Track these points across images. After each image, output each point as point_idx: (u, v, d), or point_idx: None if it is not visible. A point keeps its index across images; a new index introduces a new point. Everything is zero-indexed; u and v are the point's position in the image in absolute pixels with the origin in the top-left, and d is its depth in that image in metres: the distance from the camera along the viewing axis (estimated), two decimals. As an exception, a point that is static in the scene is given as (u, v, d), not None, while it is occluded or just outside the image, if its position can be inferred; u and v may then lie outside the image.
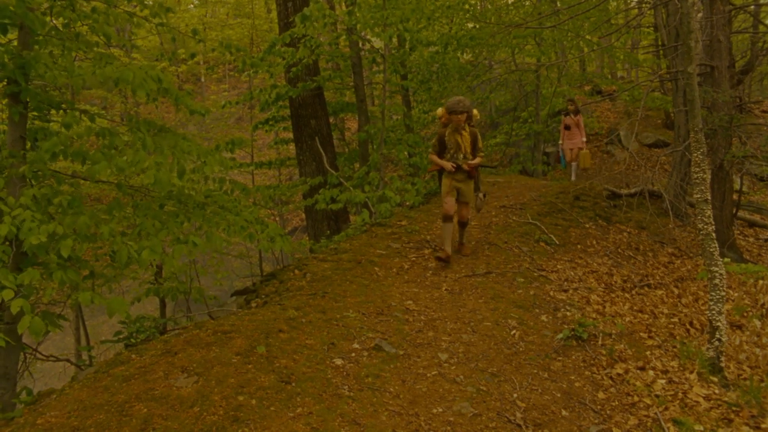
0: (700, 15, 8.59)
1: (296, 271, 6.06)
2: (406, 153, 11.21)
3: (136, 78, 4.35)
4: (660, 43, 14.27)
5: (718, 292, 4.42)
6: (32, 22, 4.27)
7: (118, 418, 3.21)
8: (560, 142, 12.39)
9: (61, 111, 5.07)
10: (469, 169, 6.32)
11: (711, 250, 4.48)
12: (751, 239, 10.24)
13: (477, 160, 6.40)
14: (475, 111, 6.45)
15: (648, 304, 6.14)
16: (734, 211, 9.67)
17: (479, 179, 6.69)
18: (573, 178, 12.16)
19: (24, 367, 6.04)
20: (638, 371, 4.37)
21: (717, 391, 4.10)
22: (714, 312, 4.41)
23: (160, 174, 4.30)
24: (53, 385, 6.20)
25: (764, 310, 5.84)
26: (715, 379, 4.27)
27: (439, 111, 6.44)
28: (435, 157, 6.45)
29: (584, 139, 12.02)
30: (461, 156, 6.33)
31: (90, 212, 4.33)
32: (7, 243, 4.12)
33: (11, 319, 4.26)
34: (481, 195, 6.65)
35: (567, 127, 12.15)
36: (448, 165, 6.26)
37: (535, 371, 4.22)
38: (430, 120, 14.02)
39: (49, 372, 11.95)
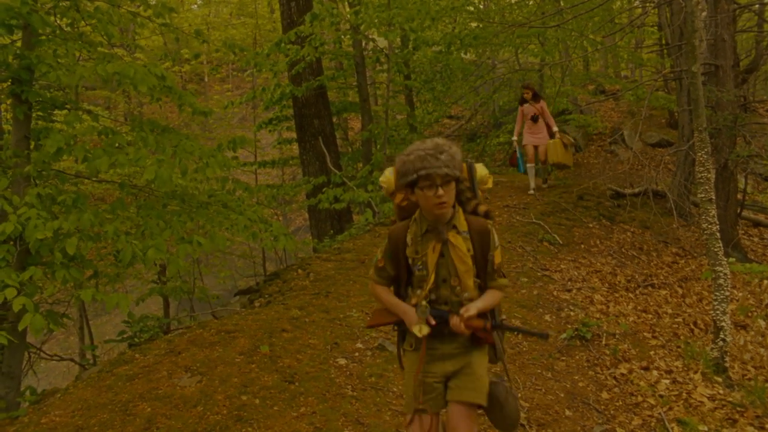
0: (704, 14, 8.56)
1: (299, 271, 6.06)
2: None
3: (138, 74, 4.35)
4: (664, 42, 14.25)
5: (722, 291, 4.40)
6: (36, 22, 4.28)
7: (122, 417, 3.21)
8: (514, 138, 9.50)
9: (65, 110, 5.09)
10: (474, 329, 2.34)
11: (715, 249, 4.46)
12: (756, 239, 10.20)
13: (487, 301, 2.40)
14: (484, 171, 2.62)
15: (652, 303, 6.13)
16: (738, 211, 9.63)
17: (502, 343, 2.60)
18: (532, 186, 9.32)
19: (28, 366, 6.06)
20: (642, 371, 4.36)
21: (721, 391, 4.08)
22: (718, 312, 4.39)
23: (161, 171, 4.30)
24: (57, 385, 6.22)
25: (769, 310, 5.83)
26: (720, 379, 4.26)
27: (386, 177, 2.61)
28: (383, 293, 2.53)
29: (555, 129, 9.21)
30: (450, 295, 2.40)
31: (93, 210, 4.34)
32: (11, 242, 4.13)
33: (15, 318, 4.28)
34: (506, 383, 2.52)
35: (530, 118, 9.28)
36: (416, 324, 2.34)
37: (539, 371, 4.21)
38: (434, 120, 13.99)
39: (53, 371, 11.98)
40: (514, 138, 9.44)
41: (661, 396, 3.99)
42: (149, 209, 4.91)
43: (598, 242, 7.71)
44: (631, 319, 5.50)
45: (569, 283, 6.13)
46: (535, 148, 9.23)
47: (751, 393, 4.02)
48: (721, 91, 8.04)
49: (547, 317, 5.15)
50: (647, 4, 12.33)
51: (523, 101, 9.38)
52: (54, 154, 4.24)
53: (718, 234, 4.49)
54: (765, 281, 6.30)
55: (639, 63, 17.52)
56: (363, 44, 10.87)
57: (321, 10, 8.18)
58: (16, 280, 3.84)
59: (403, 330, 2.56)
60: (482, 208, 2.49)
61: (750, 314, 5.86)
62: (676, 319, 5.74)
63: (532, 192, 9.24)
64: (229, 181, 5.69)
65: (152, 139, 4.55)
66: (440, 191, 2.23)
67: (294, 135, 11.68)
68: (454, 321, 2.31)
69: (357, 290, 5.39)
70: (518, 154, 9.53)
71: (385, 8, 8.48)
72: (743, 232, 10.16)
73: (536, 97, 9.31)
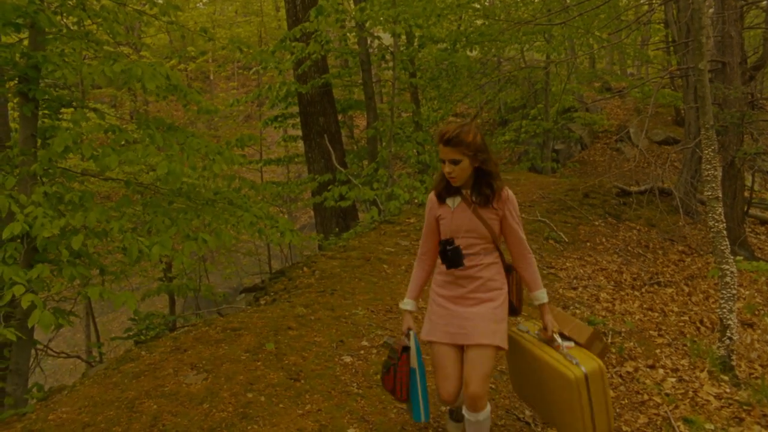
0: (711, 11, 8.52)
1: (305, 269, 6.07)
2: (414, 150, 11.20)
3: (145, 73, 4.36)
4: (670, 39, 14.17)
5: (728, 290, 4.38)
6: (43, 21, 4.30)
7: (128, 414, 3.23)
8: (404, 305, 2.78)
9: (71, 109, 5.11)
10: None
11: (722, 247, 4.44)
12: (763, 237, 10.15)
13: None
14: None
15: (658, 302, 6.11)
16: (745, 209, 9.59)
17: None
18: None
19: (35, 363, 6.09)
20: (648, 369, 4.34)
21: (728, 390, 4.07)
22: (725, 310, 4.38)
23: (173, 165, 4.31)
24: (64, 382, 6.26)
25: (776, 308, 5.80)
26: (726, 378, 4.24)
27: None
28: None
29: (542, 292, 2.84)
30: None
31: (100, 208, 4.36)
32: (19, 240, 4.15)
33: (23, 315, 4.30)
34: None
35: (448, 249, 2.60)
36: None
37: (544, 369, 4.20)
38: (439, 117, 13.98)
39: (60, 368, 12.06)
40: (405, 305, 2.81)
41: (667, 394, 3.98)
42: (155, 207, 4.93)
43: (603, 240, 7.68)
44: (637, 317, 5.48)
45: (575, 281, 6.12)
46: (459, 349, 2.69)
47: (758, 391, 4.00)
48: (728, 88, 7.99)
49: (552, 315, 5.14)
50: (653, 1, 12.27)
51: (444, 191, 2.67)
52: (61, 152, 4.26)
53: (724, 232, 4.47)
54: (772, 279, 6.28)
55: (645, 60, 17.47)
56: (368, 42, 10.86)
57: (326, 5, 8.17)
58: (24, 277, 3.86)
59: None
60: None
61: (757, 312, 5.84)
62: (682, 318, 5.72)
63: None
64: (236, 179, 5.70)
65: (159, 137, 4.56)
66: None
67: (299, 132, 11.70)
68: None
69: (362, 288, 5.39)
70: (415, 368, 2.78)
71: (391, 5, 8.47)
72: (750, 230, 10.11)
73: (485, 175, 2.60)
